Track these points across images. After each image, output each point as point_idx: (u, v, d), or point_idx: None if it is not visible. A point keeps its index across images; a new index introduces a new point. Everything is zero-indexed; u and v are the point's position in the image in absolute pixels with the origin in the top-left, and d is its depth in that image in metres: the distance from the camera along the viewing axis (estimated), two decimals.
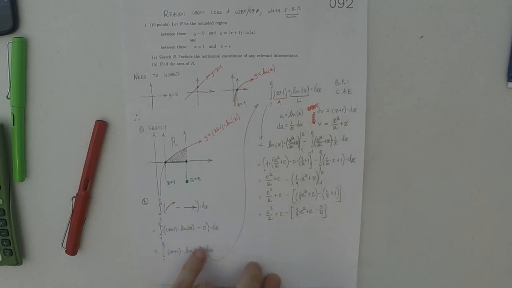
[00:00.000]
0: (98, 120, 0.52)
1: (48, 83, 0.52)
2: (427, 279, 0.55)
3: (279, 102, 0.51)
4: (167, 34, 0.50)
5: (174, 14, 0.50)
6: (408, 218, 0.54)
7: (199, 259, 0.53)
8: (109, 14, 0.51)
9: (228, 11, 0.50)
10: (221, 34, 0.50)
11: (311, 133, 0.52)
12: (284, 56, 0.51)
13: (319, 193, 0.53)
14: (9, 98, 0.52)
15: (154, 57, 0.51)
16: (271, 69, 0.51)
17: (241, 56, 0.51)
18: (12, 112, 0.52)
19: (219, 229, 0.54)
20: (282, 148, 0.52)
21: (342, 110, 0.51)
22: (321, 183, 0.53)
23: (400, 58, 0.50)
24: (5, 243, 0.54)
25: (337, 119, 0.52)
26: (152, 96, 0.52)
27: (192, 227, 0.54)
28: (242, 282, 0.51)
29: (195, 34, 0.50)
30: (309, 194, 0.53)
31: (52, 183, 0.54)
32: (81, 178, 0.53)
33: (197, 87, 0.51)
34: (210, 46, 0.50)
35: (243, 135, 0.52)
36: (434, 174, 0.53)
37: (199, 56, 0.51)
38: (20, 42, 0.51)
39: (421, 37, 0.50)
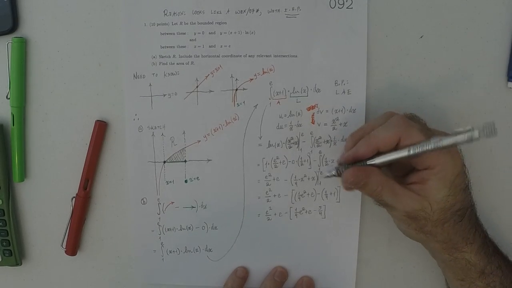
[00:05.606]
0: (98, 120, 0.52)
1: (48, 83, 0.52)
2: (426, 279, 0.54)
3: (278, 102, 0.51)
4: (167, 34, 0.50)
5: (174, 13, 0.50)
6: None
7: (240, 278, 0.53)
8: (109, 14, 0.51)
9: (228, 11, 0.50)
10: (221, 34, 0.50)
11: (311, 133, 0.52)
12: (283, 56, 0.51)
13: (318, 193, 0.53)
14: (9, 98, 0.52)
15: (154, 57, 0.51)
16: (270, 69, 0.51)
17: (240, 56, 0.51)
18: (11, 112, 0.52)
19: (218, 229, 0.54)
20: (281, 148, 0.52)
21: (342, 110, 0.51)
22: (320, 183, 0.52)
23: (400, 58, 0.50)
24: (4, 243, 0.54)
25: (337, 120, 0.51)
26: (151, 96, 0.52)
27: (191, 227, 0.54)
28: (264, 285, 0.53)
29: (194, 34, 0.50)
30: (308, 194, 0.53)
31: (52, 184, 0.54)
32: (81, 178, 0.53)
33: (197, 87, 0.51)
34: (209, 46, 0.50)
35: (243, 135, 0.52)
36: None
37: (198, 56, 0.51)
38: (20, 42, 0.51)
39: (421, 37, 0.50)
